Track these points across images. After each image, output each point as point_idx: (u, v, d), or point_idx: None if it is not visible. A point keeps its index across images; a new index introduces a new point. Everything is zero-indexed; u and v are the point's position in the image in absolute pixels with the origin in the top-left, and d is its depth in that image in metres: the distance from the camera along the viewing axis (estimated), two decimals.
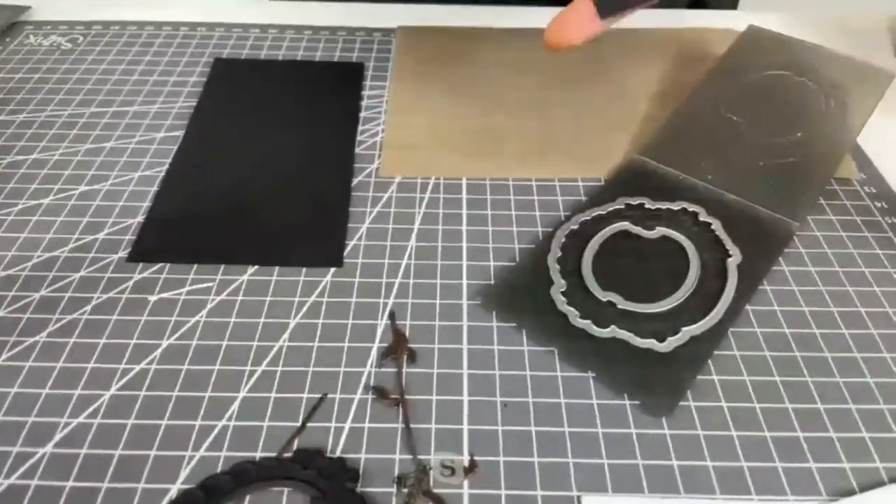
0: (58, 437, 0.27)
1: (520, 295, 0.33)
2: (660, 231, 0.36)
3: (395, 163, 0.40)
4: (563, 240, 0.35)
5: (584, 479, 0.26)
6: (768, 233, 0.36)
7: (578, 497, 0.26)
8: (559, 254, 0.34)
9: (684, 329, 0.31)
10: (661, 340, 0.30)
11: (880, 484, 0.26)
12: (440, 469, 0.26)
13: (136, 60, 0.50)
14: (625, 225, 0.36)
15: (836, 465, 0.27)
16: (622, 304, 0.32)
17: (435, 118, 0.44)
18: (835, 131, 0.41)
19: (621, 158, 0.41)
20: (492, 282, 0.34)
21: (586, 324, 0.31)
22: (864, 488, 0.26)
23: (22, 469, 0.26)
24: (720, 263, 0.34)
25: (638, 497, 0.26)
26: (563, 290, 0.32)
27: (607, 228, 0.36)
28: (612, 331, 0.31)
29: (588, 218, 0.36)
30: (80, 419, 0.28)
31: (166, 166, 0.40)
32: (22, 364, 0.30)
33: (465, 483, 0.26)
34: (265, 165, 0.40)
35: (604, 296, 0.32)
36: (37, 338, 0.31)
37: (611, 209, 0.37)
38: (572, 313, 0.31)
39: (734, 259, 0.34)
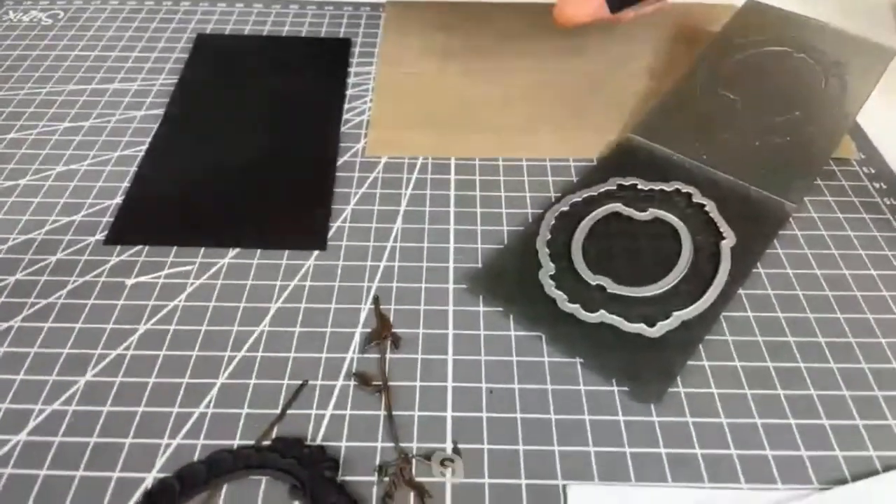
0: (31, 424, 0.27)
1: (507, 279, 0.32)
2: (652, 213, 0.35)
3: (381, 142, 0.39)
4: (553, 222, 0.34)
5: (570, 468, 0.26)
6: (763, 214, 0.35)
7: (564, 486, 0.25)
8: (549, 236, 0.33)
9: (675, 314, 0.30)
10: (651, 325, 0.30)
11: (873, 473, 0.26)
12: (439, 469, 0.25)
13: (118, 36, 0.48)
14: (616, 206, 0.35)
15: (828, 453, 0.27)
16: (612, 287, 0.31)
17: (423, 97, 0.43)
18: (834, 110, 0.40)
19: (615, 136, 0.40)
20: (479, 265, 0.33)
21: (574, 308, 0.30)
22: (857, 477, 0.26)
23: None
24: (713, 246, 0.33)
25: (625, 486, 0.25)
26: (551, 273, 0.32)
27: (598, 210, 0.35)
28: (601, 315, 0.30)
29: (579, 199, 0.35)
30: (55, 406, 0.27)
31: (145, 146, 0.39)
32: None
33: (449, 472, 0.25)
34: (247, 145, 0.39)
35: (593, 279, 0.32)
36: (11, 322, 0.30)
37: (602, 190, 0.36)
38: (560, 297, 0.31)
39: (728, 241, 0.33)
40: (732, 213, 0.35)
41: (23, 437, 0.26)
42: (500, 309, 0.31)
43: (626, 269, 0.32)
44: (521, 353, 0.29)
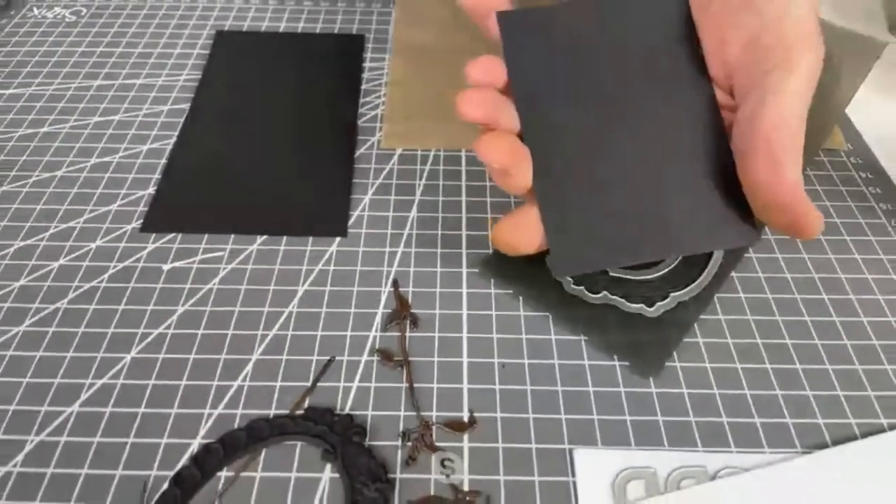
0: (84, 396, 0.29)
1: (516, 263, 0.34)
2: None
3: (395, 136, 0.42)
4: None
5: (575, 434, 0.28)
6: None
7: (570, 450, 0.28)
8: None
9: (672, 295, 0.32)
10: (650, 305, 0.32)
11: (852, 438, 0.28)
12: (440, 468, 0.27)
13: (140, 32, 0.50)
14: None
15: (811, 421, 0.29)
16: (614, 271, 0.34)
17: (434, 90, 0.45)
18: (826, 102, 0.41)
19: None
20: (490, 251, 0.35)
21: (579, 290, 0.33)
22: (837, 442, 0.28)
23: (51, 427, 0.28)
24: None
25: (626, 450, 0.28)
26: None
27: None
28: (604, 297, 0.32)
29: None
30: (104, 380, 0.30)
31: (174, 139, 0.41)
32: (45, 329, 0.32)
33: (466, 437, 0.28)
34: (269, 138, 0.41)
35: None
36: (58, 305, 0.33)
37: None
38: (566, 280, 0.33)
39: None
40: None
41: (76, 408, 0.29)
42: (510, 291, 0.33)
43: None
44: (530, 332, 0.32)
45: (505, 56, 0.28)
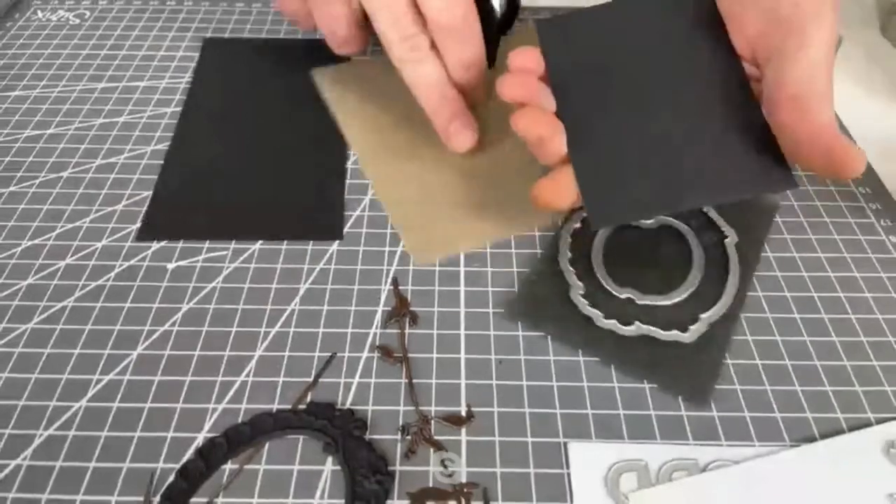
0: (91, 392, 0.30)
1: (540, 302, 0.33)
2: (657, 220, 0.36)
3: (423, 250, 0.36)
4: (570, 240, 0.35)
5: (570, 428, 0.29)
6: (753, 206, 0.37)
7: (565, 443, 0.29)
8: (570, 255, 0.35)
9: (702, 317, 0.32)
10: (684, 331, 0.31)
11: (840, 433, 0.29)
12: (440, 468, 0.28)
13: (143, 35, 0.51)
14: None
15: (800, 415, 0.30)
16: (640, 299, 0.33)
17: (426, 193, 0.39)
18: None
19: None
20: (514, 289, 0.34)
21: (611, 324, 0.32)
22: (825, 436, 0.29)
23: (59, 421, 0.29)
24: (719, 245, 0.35)
25: (619, 443, 0.29)
26: (581, 292, 0.33)
27: None
28: (637, 328, 0.32)
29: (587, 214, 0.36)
30: (111, 376, 0.31)
31: (169, 144, 0.42)
32: (53, 327, 0.32)
33: (463, 431, 0.29)
34: (261, 144, 0.42)
35: (621, 293, 0.33)
36: (65, 302, 0.33)
37: None
38: (596, 315, 0.32)
39: (731, 240, 0.35)
40: (725, 208, 0.36)
41: (84, 403, 0.30)
42: (541, 333, 0.32)
43: (643, 278, 0.33)
44: (526, 329, 0.33)
45: (543, 54, 0.32)
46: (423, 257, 0.36)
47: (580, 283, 0.33)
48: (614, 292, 0.33)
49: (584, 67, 0.32)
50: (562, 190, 0.31)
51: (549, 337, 0.32)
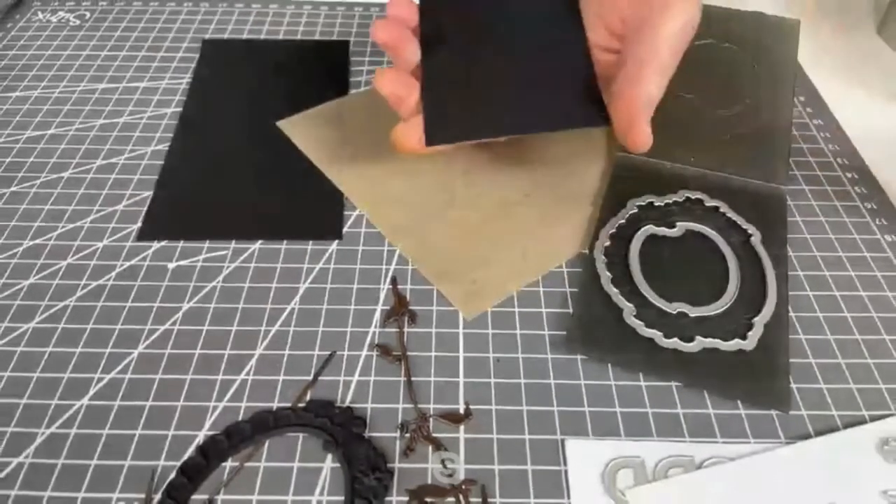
0: (92, 391, 0.30)
1: (597, 329, 0.32)
2: (681, 226, 0.36)
3: (470, 303, 0.34)
4: (605, 259, 0.35)
5: (567, 425, 0.29)
6: (765, 202, 0.38)
7: (562, 440, 0.29)
8: (610, 275, 0.34)
9: (755, 320, 0.32)
10: (743, 338, 0.31)
11: (834, 430, 0.30)
12: (440, 468, 0.28)
13: (144, 36, 0.51)
14: (649, 228, 0.36)
15: (795, 413, 0.30)
16: (692, 311, 0.32)
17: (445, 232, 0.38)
18: (773, 89, 0.42)
19: (605, 158, 0.41)
20: (570, 311, 0.33)
21: (673, 342, 0.31)
22: (820, 433, 0.29)
23: (62, 419, 0.29)
24: (746, 244, 0.35)
25: (615, 440, 0.29)
26: (634, 314, 0.32)
27: (636, 236, 0.36)
28: (699, 342, 0.31)
29: (614, 230, 0.36)
30: (113, 374, 0.31)
31: (168, 146, 0.42)
32: (55, 326, 0.33)
33: (462, 428, 0.29)
34: (261, 144, 0.42)
35: (672, 308, 0.32)
36: (66, 302, 0.34)
37: (629, 215, 0.37)
38: (657, 335, 0.31)
39: (756, 237, 0.35)
40: (740, 206, 0.37)
41: (85, 401, 0.30)
42: (602, 361, 0.31)
43: (687, 289, 0.33)
44: (524, 328, 0.33)
45: (420, 9, 0.37)
46: (475, 309, 0.33)
47: (630, 305, 0.33)
48: (666, 308, 0.32)
49: (452, 19, 0.37)
50: (416, 133, 0.35)
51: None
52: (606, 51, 0.36)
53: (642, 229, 0.36)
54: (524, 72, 0.36)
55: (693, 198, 0.38)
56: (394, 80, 0.35)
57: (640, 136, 0.33)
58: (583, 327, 0.32)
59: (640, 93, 0.33)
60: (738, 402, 0.30)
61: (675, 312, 0.32)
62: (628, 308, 0.32)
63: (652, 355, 0.31)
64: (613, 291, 0.33)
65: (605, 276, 0.34)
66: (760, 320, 0.32)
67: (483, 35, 0.37)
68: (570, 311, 0.33)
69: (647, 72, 0.33)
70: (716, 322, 0.32)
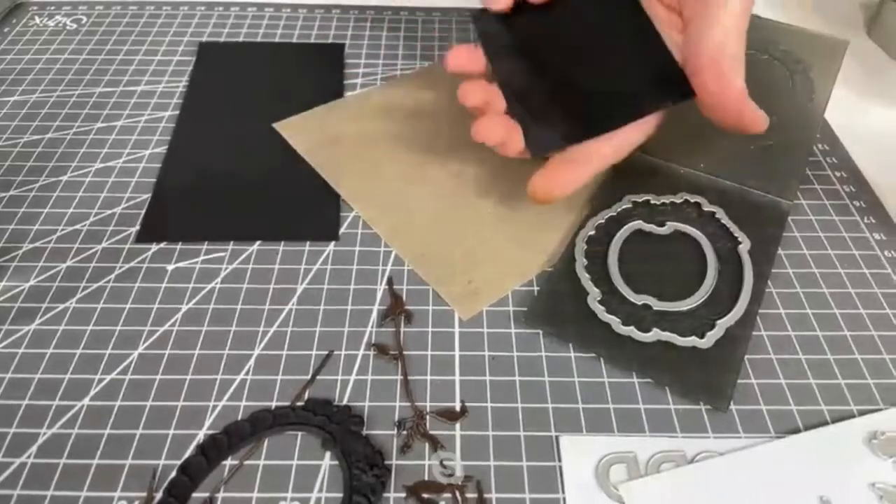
0: (93, 391, 0.31)
1: (559, 308, 0.33)
2: (671, 226, 0.37)
3: (469, 304, 0.35)
4: (585, 247, 0.36)
5: (561, 421, 0.30)
6: (765, 215, 0.38)
7: (556, 436, 0.29)
8: (585, 262, 0.35)
9: (718, 322, 0.32)
10: (701, 336, 0.32)
11: (823, 424, 0.30)
12: (440, 468, 0.28)
13: (140, 40, 0.52)
14: (638, 224, 0.37)
15: (785, 408, 0.31)
16: (657, 305, 0.33)
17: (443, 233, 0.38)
18: (805, 107, 0.42)
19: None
20: (534, 290, 0.35)
21: (629, 330, 0.32)
22: (809, 428, 0.30)
23: (63, 420, 0.30)
24: (733, 252, 0.36)
25: (609, 436, 0.29)
26: (598, 298, 0.33)
27: (623, 230, 0.36)
28: (655, 334, 0.32)
29: (602, 221, 0.37)
30: (113, 375, 0.31)
31: (165, 148, 0.42)
32: (56, 328, 0.33)
33: (458, 426, 0.30)
34: (258, 146, 0.42)
35: (638, 299, 0.33)
36: (67, 304, 0.34)
37: (620, 209, 0.38)
38: (615, 321, 0.32)
39: (744, 246, 0.36)
40: (737, 215, 0.37)
41: (86, 402, 0.30)
42: (557, 337, 0.33)
43: (659, 284, 0.34)
44: (519, 326, 0.33)
45: (483, 46, 0.36)
46: (471, 309, 0.34)
47: (597, 290, 0.34)
48: (631, 298, 0.33)
49: (514, 40, 0.36)
50: (555, 182, 0.35)
51: (570, 346, 0.33)
52: (668, 26, 0.34)
53: (630, 223, 0.37)
54: (601, 66, 0.35)
55: (692, 201, 0.38)
56: (493, 127, 0.34)
57: (761, 121, 0.34)
58: (545, 302, 0.34)
59: (737, 84, 0.33)
60: (675, 395, 0.31)
61: (639, 303, 0.33)
62: (594, 292, 0.33)
63: (609, 340, 0.32)
64: (584, 276, 0.34)
65: (581, 261, 0.35)
66: (724, 323, 0.32)
67: (549, 41, 0.36)
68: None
69: (727, 67, 0.32)
70: (678, 319, 0.33)
